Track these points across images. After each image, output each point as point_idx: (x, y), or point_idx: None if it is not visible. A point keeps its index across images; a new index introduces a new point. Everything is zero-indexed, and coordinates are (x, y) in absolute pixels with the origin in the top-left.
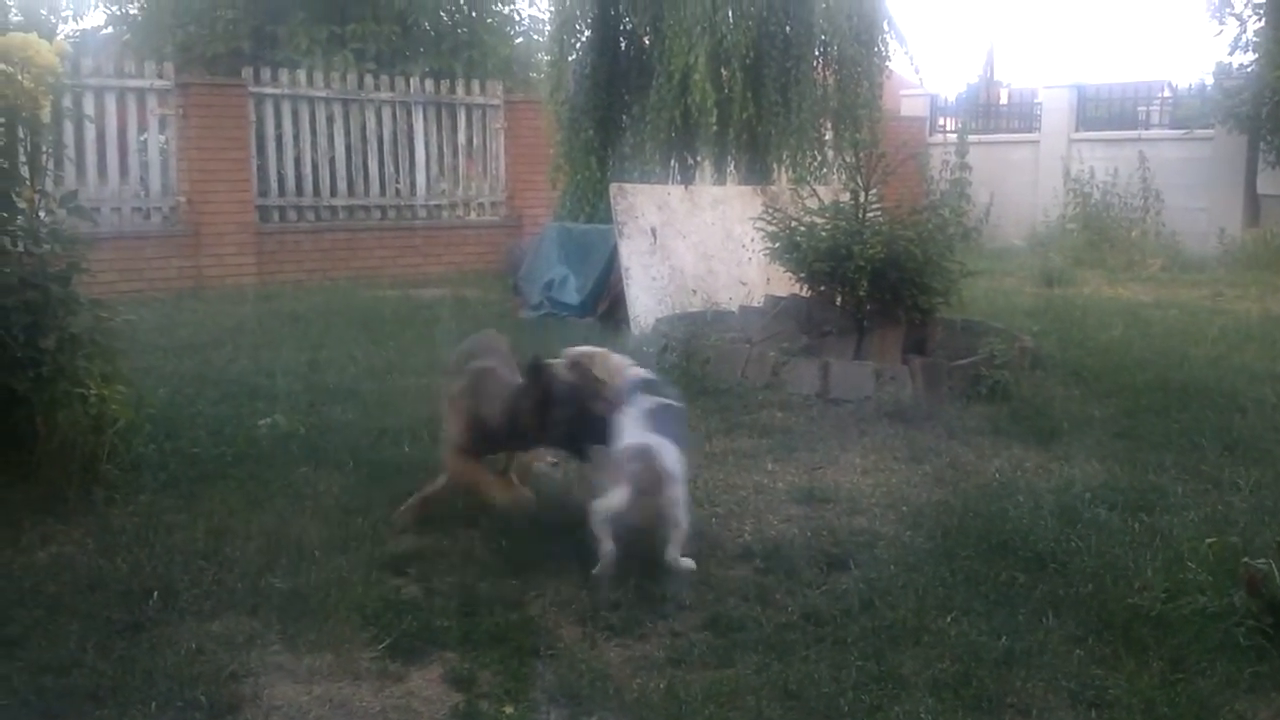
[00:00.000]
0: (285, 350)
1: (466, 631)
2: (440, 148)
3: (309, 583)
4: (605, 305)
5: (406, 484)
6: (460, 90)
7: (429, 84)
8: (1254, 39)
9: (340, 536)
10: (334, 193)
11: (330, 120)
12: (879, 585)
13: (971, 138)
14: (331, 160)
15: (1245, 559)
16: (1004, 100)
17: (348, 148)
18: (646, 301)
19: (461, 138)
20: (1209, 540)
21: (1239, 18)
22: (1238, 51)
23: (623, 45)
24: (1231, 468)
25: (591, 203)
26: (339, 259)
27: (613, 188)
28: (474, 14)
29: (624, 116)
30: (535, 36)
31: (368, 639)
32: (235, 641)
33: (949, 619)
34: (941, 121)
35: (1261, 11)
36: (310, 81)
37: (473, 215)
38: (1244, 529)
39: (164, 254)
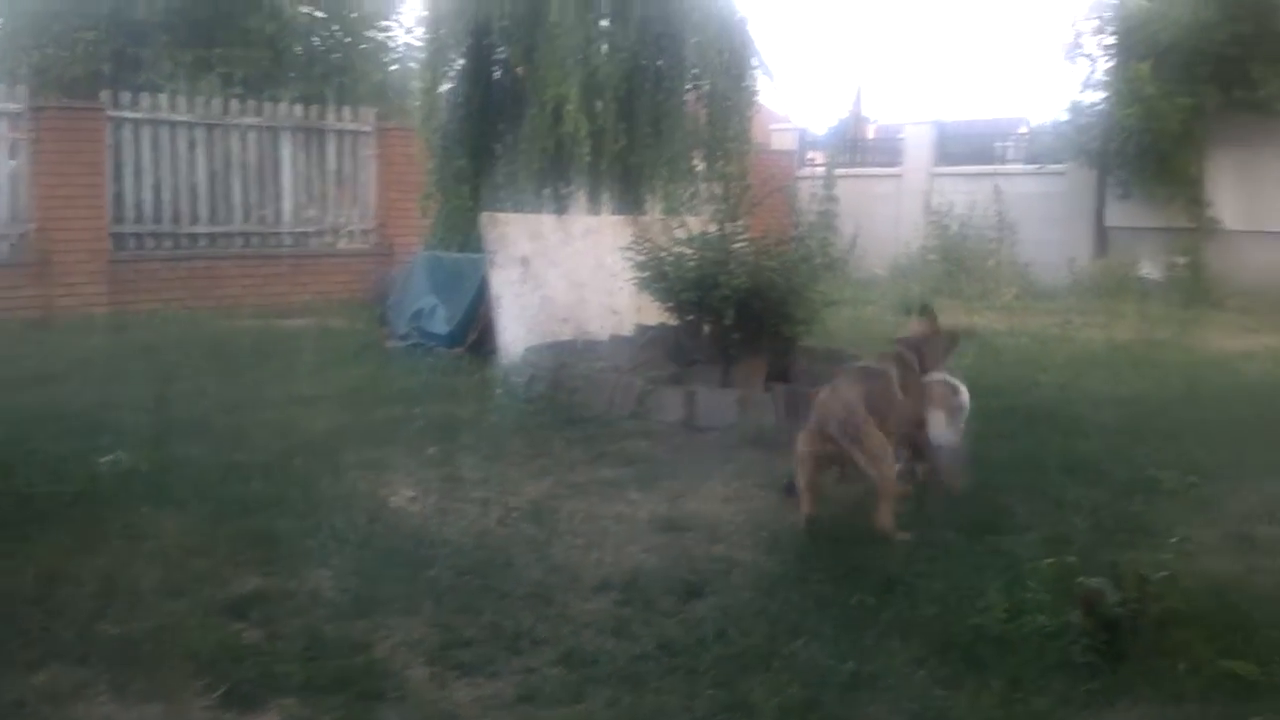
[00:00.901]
0: (135, 383)
1: (309, 676)
2: (308, 174)
3: (143, 629)
4: (475, 335)
5: (254, 522)
6: (330, 116)
7: (298, 109)
8: (1104, 78)
9: (179, 579)
10: (194, 219)
11: (192, 145)
12: (733, 612)
13: (839, 171)
14: (193, 186)
15: (1081, 578)
16: (871, 135)
17: (210, 173)
18: (516, 331)
19: (331, 164)
20: (1048, 560)
21: (1090, 58)
22: (1089, 90)
23: (496, 74)
24: (1073, 489)
25: (463, 231)
26: (199, 288)
27: (484, 216)
28: (348, 39)
29: (497, 145)
30: (410, 63)
31: (202, 687)
32: (60, 693)
33: (799, 644)
34: (811, 155)
35: (1111, 52)
36: (173, 106)
37: (341, 243)
38: (1082, 549)
39: (12, 283)
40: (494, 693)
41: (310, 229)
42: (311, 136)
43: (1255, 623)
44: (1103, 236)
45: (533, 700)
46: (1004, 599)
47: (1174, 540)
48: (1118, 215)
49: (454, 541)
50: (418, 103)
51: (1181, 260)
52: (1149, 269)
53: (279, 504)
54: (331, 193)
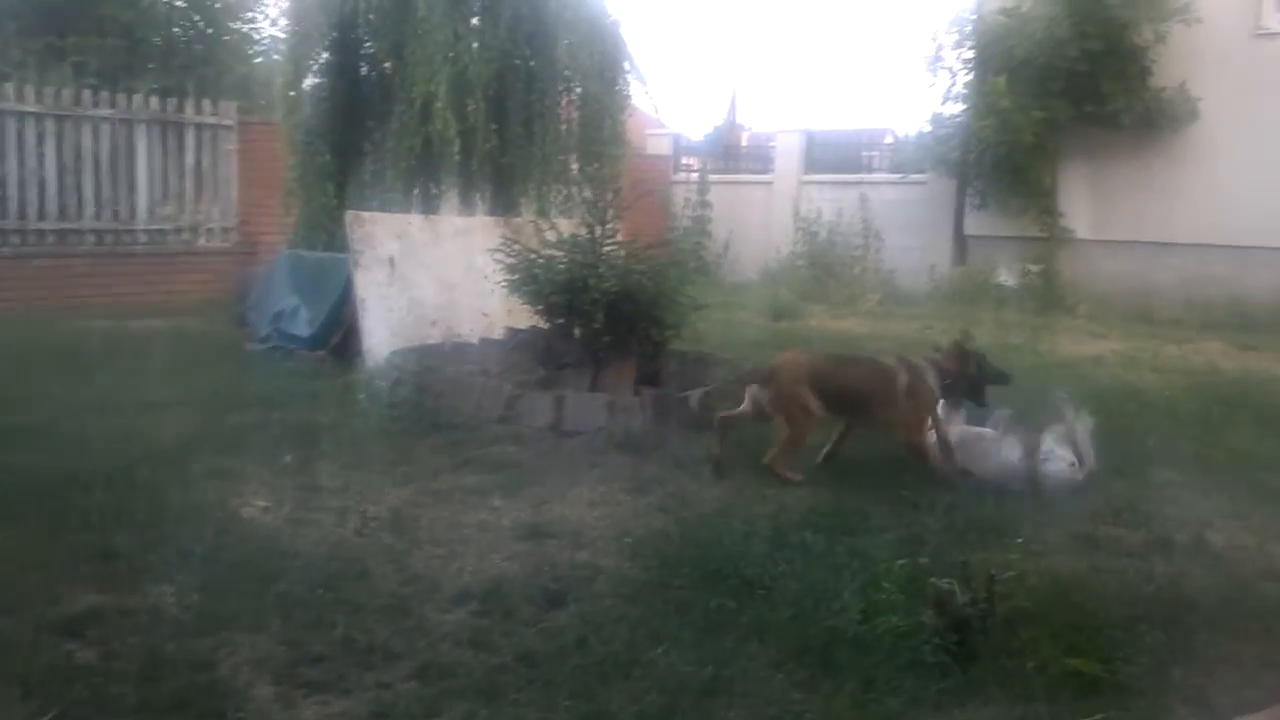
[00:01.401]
0: None
1: (146, 698)
2: (165, 169)
3: None
4: (339, 338)
5: (93, 535)
6: (190, 109)
7: (155, 101)
8: (963, 91)
9: (7, 596)
10: (42, 215)
11: (41, 137)
12: (595, 620)
13: (713, 177)
14: (41, 180)
15: (933, 579)
16: (744, 143)
17: (60, 167)
18: (382, 333)
19: (190, 159)
20: (901, 561)
21: (950, 71)
22: (949, 102)
23: (363, 70)
24: (928, 491)
25: (328, 230)
26: (47, 287)
27: (349, 215)
28: (209, 30)
29: (364, 143)
30: (274, 56)
31: (30, 711)
32: None
33: (660, 650)
34: (685, 161)
35: (969, 66)
36: (20, 96)
37: (200, 241)
38: (934, 549)
39: None
40: (344, 710)
41: (167, 226)
42: (169, 130)
43: (1098, 621)
44: (962, 244)
45: (386, 717)
46: (859, 600)
47: (1021, 541)
48: (976, 224)
49: (307, 553)
50: (280, 97)
51: (1035, 268)
52: (1005, 276)
53: (121, 516)
54: (190, 189)
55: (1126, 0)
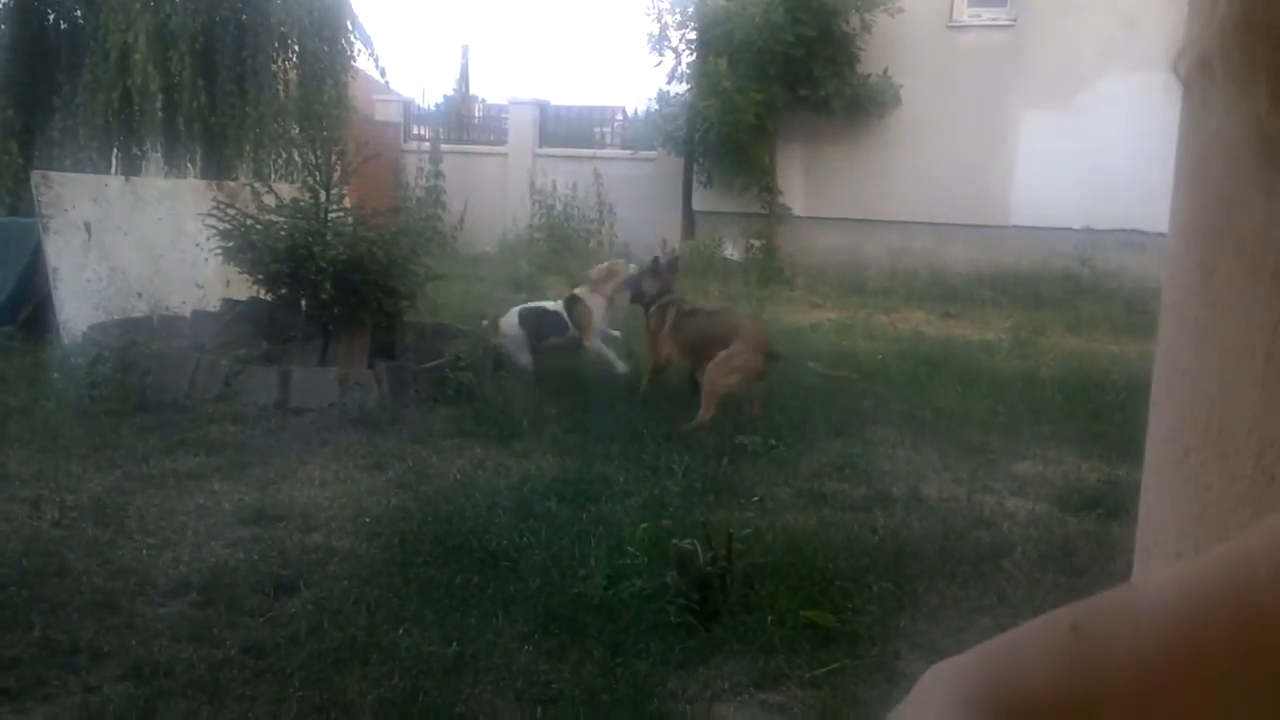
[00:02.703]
0: None
1: None
2: None
3: None
4: (28, 311)
5: None
6: None
7: None
8: (687, 71)
9: None
10: None
11: None
12: (329, 605)
13: (446, 147)
14: None
15: (675, 540)
16: (477, 114)
17: None
18: (79, 306)
19: None
20: (644, 525)
21: (675, 51)
22: (675, 81)
23: (51, 17)
24: (667, 455)
25: (12, 192)
26: None
27: (35, 175)
28: None
29: (53, 97)
30: None
31: None
32: None
33: (401, 631)
34: (417, 130)
35: (693, 46)
36: None
37: None
38: (675, 511)
39: None
40: (47, 716)
41: None
42: None
43: (829, 574)
44: (690, 220)
45: None
46: (605, 566)
47: (756, 499)
48: (703, 200)
49: None
50: None
51: (757, 243)
52: (730, 250)
53: None
54: None
55: None
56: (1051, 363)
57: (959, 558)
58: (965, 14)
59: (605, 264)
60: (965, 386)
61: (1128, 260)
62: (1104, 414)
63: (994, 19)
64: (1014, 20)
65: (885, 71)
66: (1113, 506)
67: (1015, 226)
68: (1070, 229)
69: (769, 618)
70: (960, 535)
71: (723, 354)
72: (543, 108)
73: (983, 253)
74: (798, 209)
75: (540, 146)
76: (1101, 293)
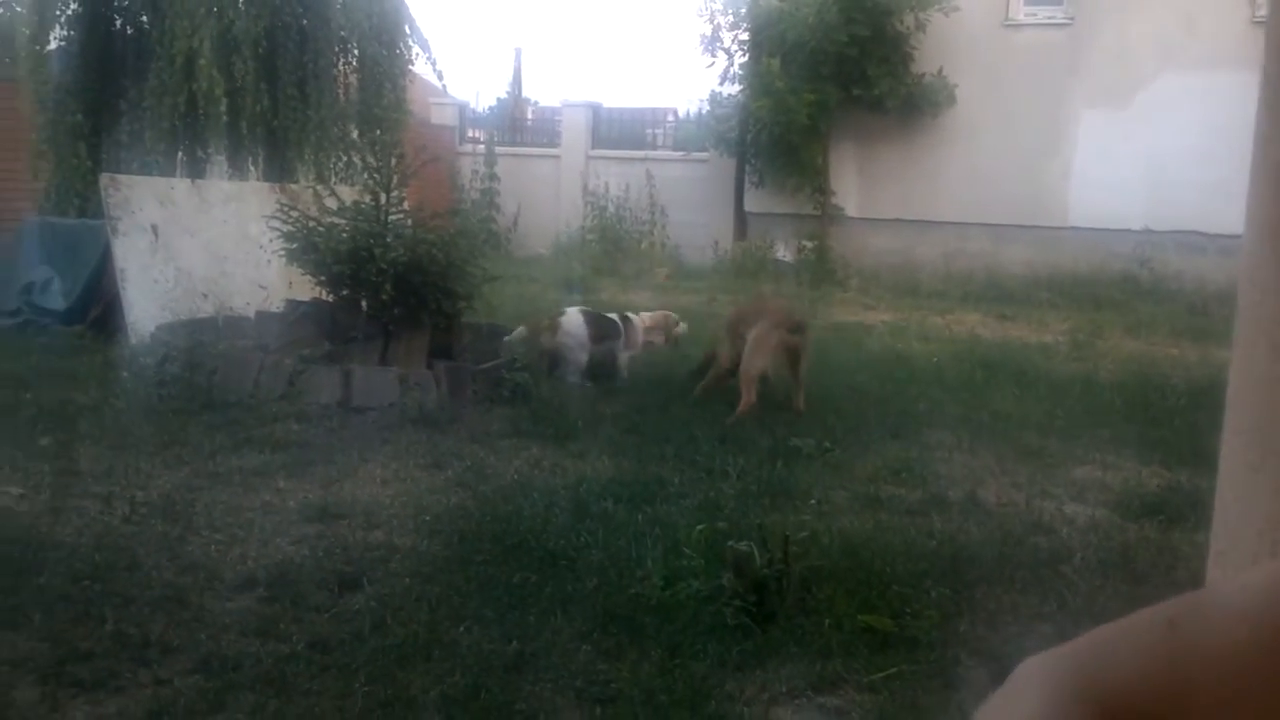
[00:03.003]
0: None
1: None
2: None
3: None
4: (98, 311)
5: None
6: None
7: None
8: (739, 72)
9: None
10: None
11: None
12: (392, 602)
13: (500, 150)
14: None
15: (731, 542)
16: (530, 116)
17: None
18: (147, 307)
19: None
20: (700, 526)
21: (728, 52)
22: (727, 82)
23: (118, 23)
24: (722, 457)
25: (81, 195)
26: None
27: (104, 178)
28: None
29: (120, 101)
30: (17, 8)
31: None
32: None
33: (462, 629)
34: (472, 132)
35: (745, 47)
36: None
37: None
38: (731, 513)
39: None
40: (119, 710)
41: None
42: None
43: (887, 578)
44: (742, 221)
45: (165, 714)
46: (661, 567)
47: (812, 502)
48: (755, 201)
49: (70, 543)
50: (26, 53)
51: (809, 244)
52: (782, 252)
53: None
54: None
55: None
56: (1110, 366)
57: (1017, 563)
58: (1021, 12)
59: (661, 314)
60: (1022, 389)
61: (1187, 262)
62: (1164, 418)
63: (1050, 17)
64: (1071, 19)
65: (940, 71)
66: (1174, 513)
67: (1073, 227)
68: (1129, 230)
69: (826, 621)
70: (1019, 541)
71: (750, 337)
72: (595, 110)
73: (1040, 254)
74: (851, 210)
75: (593, 148)
76: (1161, 295)
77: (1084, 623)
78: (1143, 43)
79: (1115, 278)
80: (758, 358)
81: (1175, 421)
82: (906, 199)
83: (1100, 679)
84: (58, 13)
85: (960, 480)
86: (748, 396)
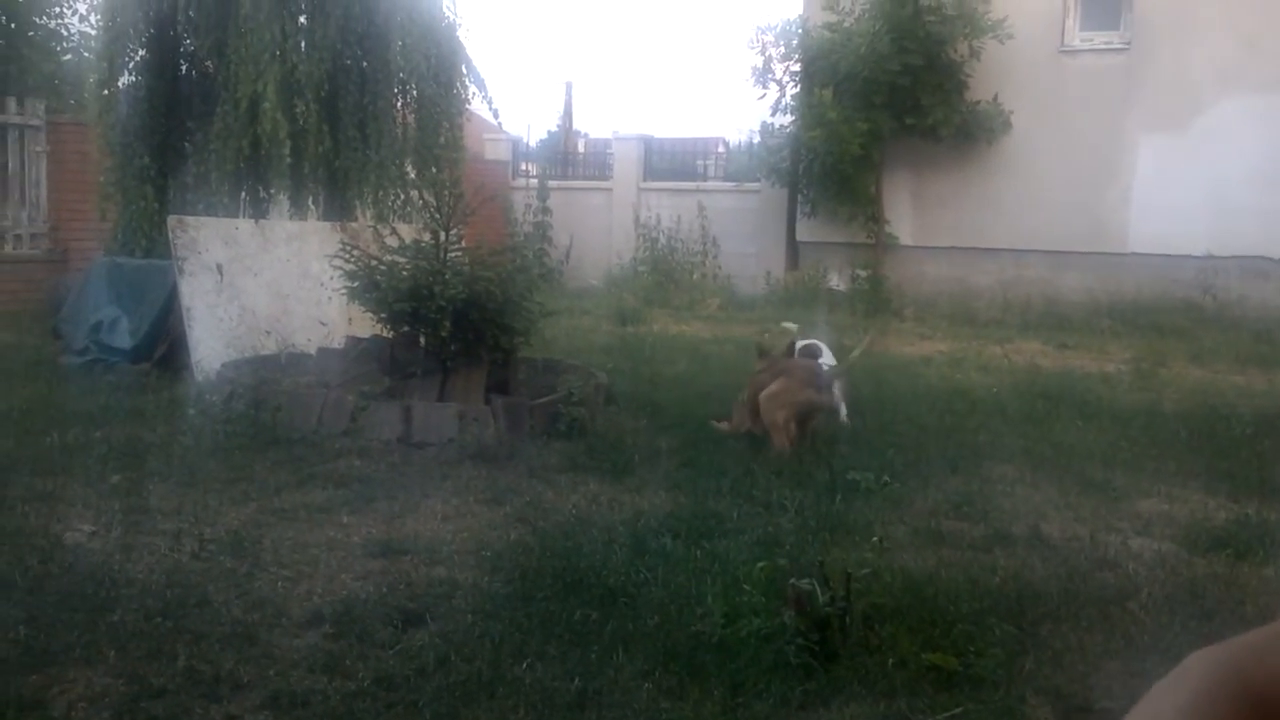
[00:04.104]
0: None
1: None
2: None
3: None
4: (163, 349)
5: None
6: None
7: None
8: (791, 102)
9: None
10: None
11: None
12: (455, 638)
13: (552, 183)
14: None
15: (792, 579)
16: (581, 149)
17: None
18: (212, 344)
19: None
20: (760, 563)
21: (779, 83)
22: (779, 113)
23: (183, 68)
24: (779, 490)
25: (148, 236)
26: None
27: (171, 220)
28: (13, 26)
29: (186, 144)
30: (86, 54)
31: None
32: None
33: (524, 666)
34: (524, 166)
35: (797, 78)
36: None
37: (8, 248)
38: (790, 549)
39: None
40: None
41: None
42: None
43: (951, 615)
44: (794, 251)
45: None
46: (722, 604)
47: (874, 538)
48: (807, 231)
49: (141, 580)
50: (94, 96)
51: (863, 273)
52: (835, 281)
53: None
54: None
55: (943, 17)
56: (1174, 395)
57: (1083, 600)
58: (1077, 38)
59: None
60: (1085, 420)
61: (1252, 287)
62: (1231, 449)
63: (1107, 43)
64: (1128, 44)
65: (995, 98)
66: (1242, 546)
67: (1134, 254)
68: (1191, 256)
69: (890, 660)
70: (1084, 576)
71: (770, 389)
72: (647, 142)
73: (1100, 281)
74: (905, 238)
75: (645, 180)
76: (1225, 322)
77: (1152, 660)
78: (1202, 66)
79: (1178, 304)
80: (776, 412)
81: (1242, 452)
82: (962, 226)
83: (1257, 674)
84: (126, 59)
85: (1023, 514)
86: (779, 441)
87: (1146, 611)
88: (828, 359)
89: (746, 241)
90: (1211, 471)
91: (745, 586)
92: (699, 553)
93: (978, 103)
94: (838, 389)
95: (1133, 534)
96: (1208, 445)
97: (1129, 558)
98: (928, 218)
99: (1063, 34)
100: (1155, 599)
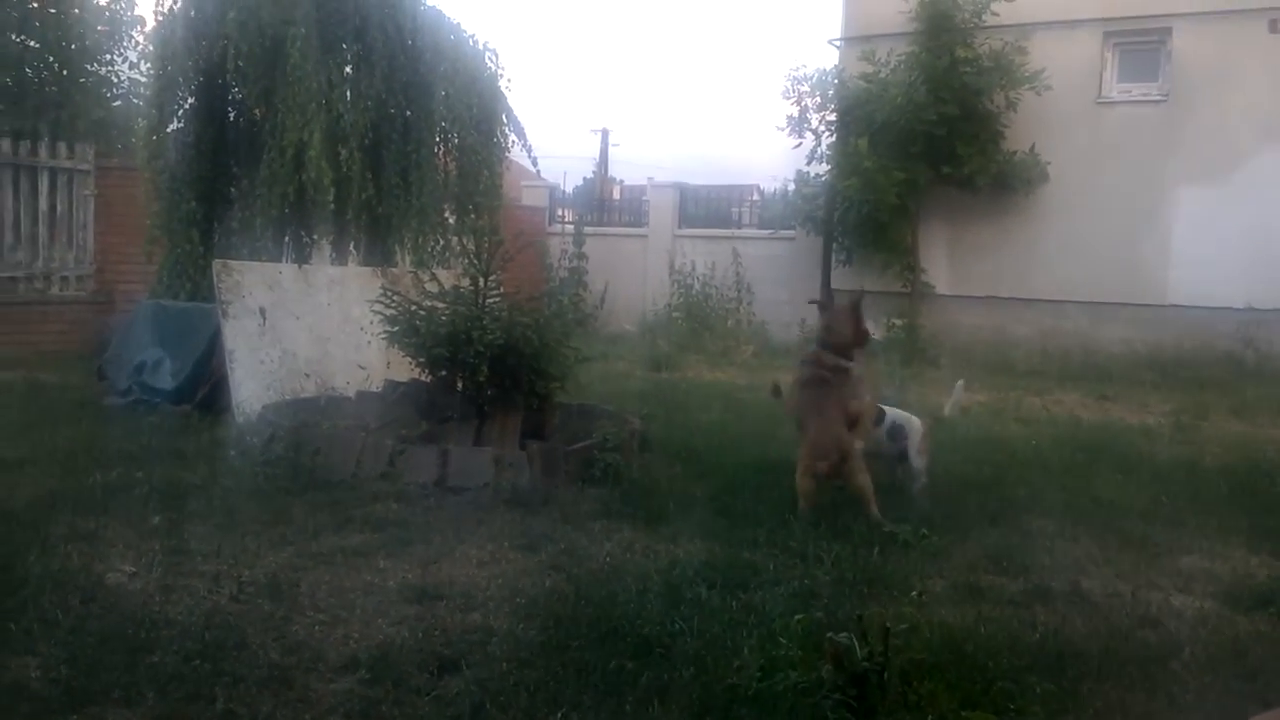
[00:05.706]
0: None
1: None
2: (17, 214)
3: None
4: (205, 391)
5: None
6: (44, 152)
7: (6, 144)
8: (826, 151)
9: None
10: None
11: None
12: (490, 686)
13: (588, 229)
14: None
15: (829, 633)
16: (617, 196)
17: None
18: (253, 387)
19: (44, 204)
20: (797, 616)
21: (815, 132)
22: (814, 162)
23: (231, 115)
24: (815, 542)
25: (193, 279)
26: None
27: (216, 264)
28: (64, 72)
29: (231, 189)
30: (135, 100)
31: None
32: None
33: (559, 715)
34: (561, 212)
35: (833, 127)
36: None
37: (55, 289)
38: (828, 602)
39: None
40: None
41: (19, 273)
42: (22, 173)
43: (990, 672)
44: (829, 298)
45: None
46: (758, 657)
47: (912, 593)
48: (842, 279)
49: (180, 621)
50: (141, 141)
51: (899, 322)
52: (871, 330)
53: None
54: (44, 235)
55: (980, 68)
56: (1216, 449)
57: (1124, 658)
58: (1115, 90)
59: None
60: (1125, 474)
61: None
62: (1273, 505)
63: (1145, 94)
64: (1166, 95)
65: (1032, 148)
66: None
67: (1173, 306)
68: (1232, 308)
69: (929, 717)
70: (1125, 634)
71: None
72: (682, 190)
73: (1139, 332)
74: (941, 287)
75: (680, 228)
76: (1266, 375)
77: None
78: (1241, 116)
79: (1219, 357)
80: (802, 478)
81: None
82: (999, 276)
83: None
84: (175, 106)
85: (1063, 570)
86: (804, 503)
87: (1189, 671)
88: (914, 437)
89: (781, 289)
90: (1253, 528)
91: (782, 639)
92: (735, 604)
93: (1014, 153)
94: (913, 444)
95: (1174, 591)
96: (1249, 501)
97: (1170, 615)
98: (964, 267)
99: (1100, 85)
100: (1198, 658)
